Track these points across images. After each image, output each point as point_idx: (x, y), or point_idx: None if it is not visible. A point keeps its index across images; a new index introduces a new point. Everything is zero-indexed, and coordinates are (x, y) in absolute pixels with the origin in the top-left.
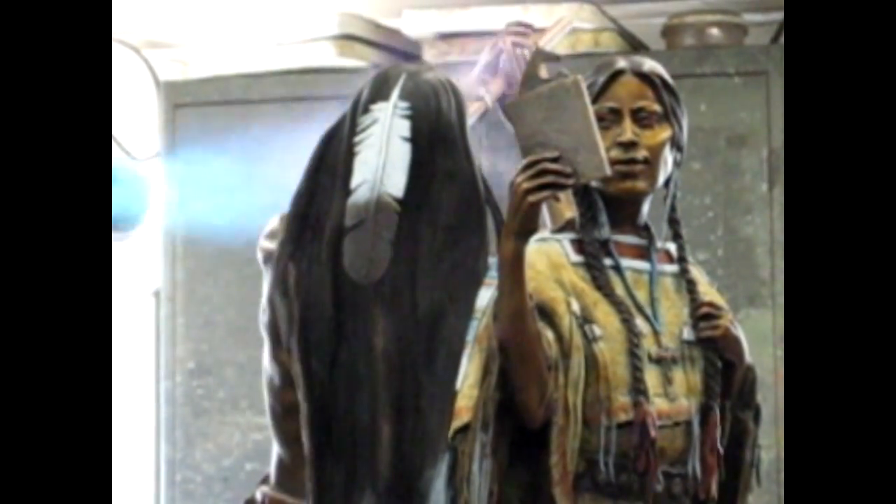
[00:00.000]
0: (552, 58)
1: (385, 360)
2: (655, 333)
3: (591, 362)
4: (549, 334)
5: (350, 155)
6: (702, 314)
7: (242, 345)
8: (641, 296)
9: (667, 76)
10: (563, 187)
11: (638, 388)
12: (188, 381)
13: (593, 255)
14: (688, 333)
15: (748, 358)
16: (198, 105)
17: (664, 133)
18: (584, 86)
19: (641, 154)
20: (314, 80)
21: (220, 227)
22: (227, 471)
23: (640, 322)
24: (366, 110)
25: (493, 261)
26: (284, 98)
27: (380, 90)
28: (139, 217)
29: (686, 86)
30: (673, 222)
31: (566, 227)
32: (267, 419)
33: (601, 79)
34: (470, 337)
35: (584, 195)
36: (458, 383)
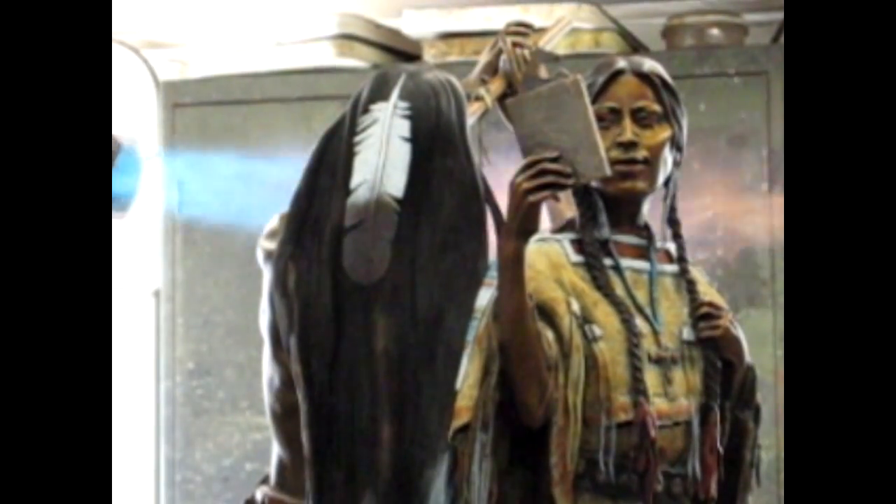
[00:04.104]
0: (552, 58)
1: (385, 360)
2: (655, 333)
3: (591, 362)
4: (549, 334)
5: (350, 155)
6: (701, 314)
7: (242, 345)
8: (641, 296)
9: (666, 76)
10: (562, 187)
11: (638, 388)
12: (188, 381)
13: (593, 256)
14: (687, 333)
15: (748, 358)
16: (197, 105)
17: (664, 133)
18: (583, 86)
19: (641, 154)
20: (314, 80)
21: (219, 226)
22: (226, 471)
23: (639, 322)
24: (365, 110)
25: (493, 261)
26: (284, 98)
27: (380, 90)
28: (134, 194)
29: (686, 86)
30: (672, 222)
31: (566, 227)
32: (267, 419)
33: (601, 79)
34: (470, 337)
35: (583, 195)
36: (458, 383)
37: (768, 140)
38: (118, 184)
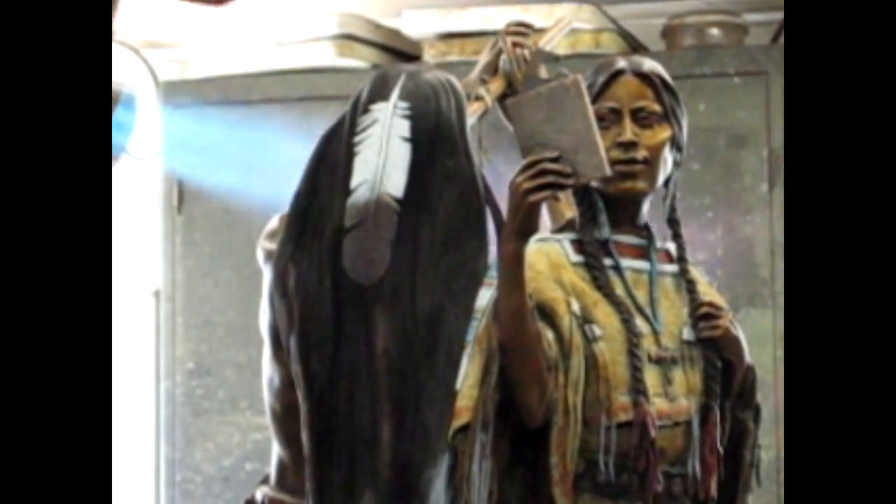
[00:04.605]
0: (552, 58)
1: (385, 360)
2: (655, 333)
3: (591, 362)
4: (549, 334)
5: (350, 155)
6: (701, 314)
7: (242, 345)
8: (641, 296)
9: (666, 76)
10: (563, 187)
11: (638, 388)
12: (188, 381)
13: (593, 256)
14: (687, 333)
15: (748, 358)
16: (197, 105)
17: (664, 133)
18: (583, 86)
19: (641, 154)
20: (314, 80)
21: (219, 226)
22: (226, 471)
23: (639, 322)
24: (365, 110)
25: (493, 261)
26: (284, 98)
27: (380, 90)
28: (128, 142)
29: (686, 86)
30: (673, 222)
31: (566, 227)
32: (267, 419)
33: (601, 79)
34: (470, 337)
35: (583, 195)
36: (458, 383)
37: (768, 140)
38: (115, 132)
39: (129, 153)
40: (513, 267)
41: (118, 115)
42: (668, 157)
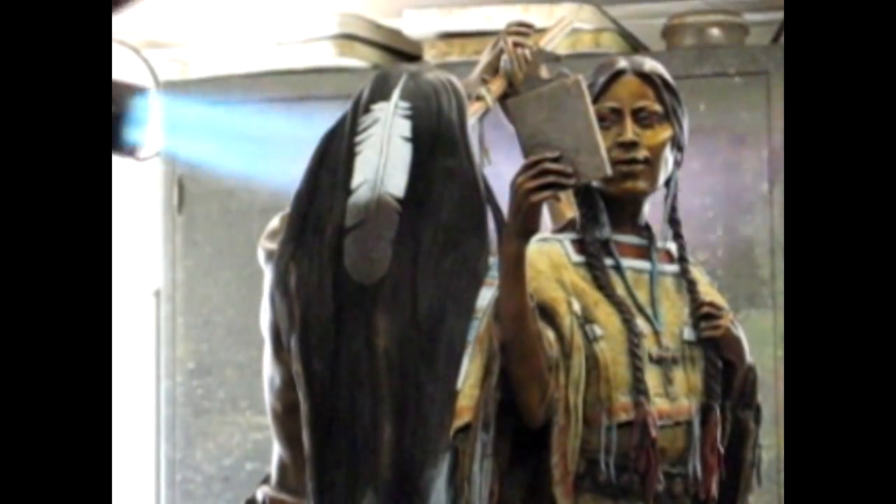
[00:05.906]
0: (553, 58)
1: (386, 360)
2: (656, 333)
3: (592, 362)
4: (549, 334)
5: (351, 155)
6: (702, 314)
7: (242, 345)
8: (642, 296)
9: (667, 76)
10: (564, 187)
11: (638, 388)
12: (188, 380)
13: (594, 255)
14: (688, 333)
15: (749, 358)
16: (198, 105)
17: (665, 133)
18: (584, 86)
19: (642, 154)
20: (314, 80)
21: (220, 226)
22: (227, 471)
23: (640, 322)
24: (366, 110)
25: (493, 261)
26: (284, 98)
27: (381, 90)
28: (141, 139)
29: (686, 86)
30: (673, 222)
31: (567, 227)
32: (267, 419)
33: (602, 79)
34: (471, 337)
35: (584, 195)
36: (459, 383)
37: (768, 140)
38: (131, 131)
39: (143, 148)
40: (514, 267)
41: (134, 110)
42: (668, 156)
